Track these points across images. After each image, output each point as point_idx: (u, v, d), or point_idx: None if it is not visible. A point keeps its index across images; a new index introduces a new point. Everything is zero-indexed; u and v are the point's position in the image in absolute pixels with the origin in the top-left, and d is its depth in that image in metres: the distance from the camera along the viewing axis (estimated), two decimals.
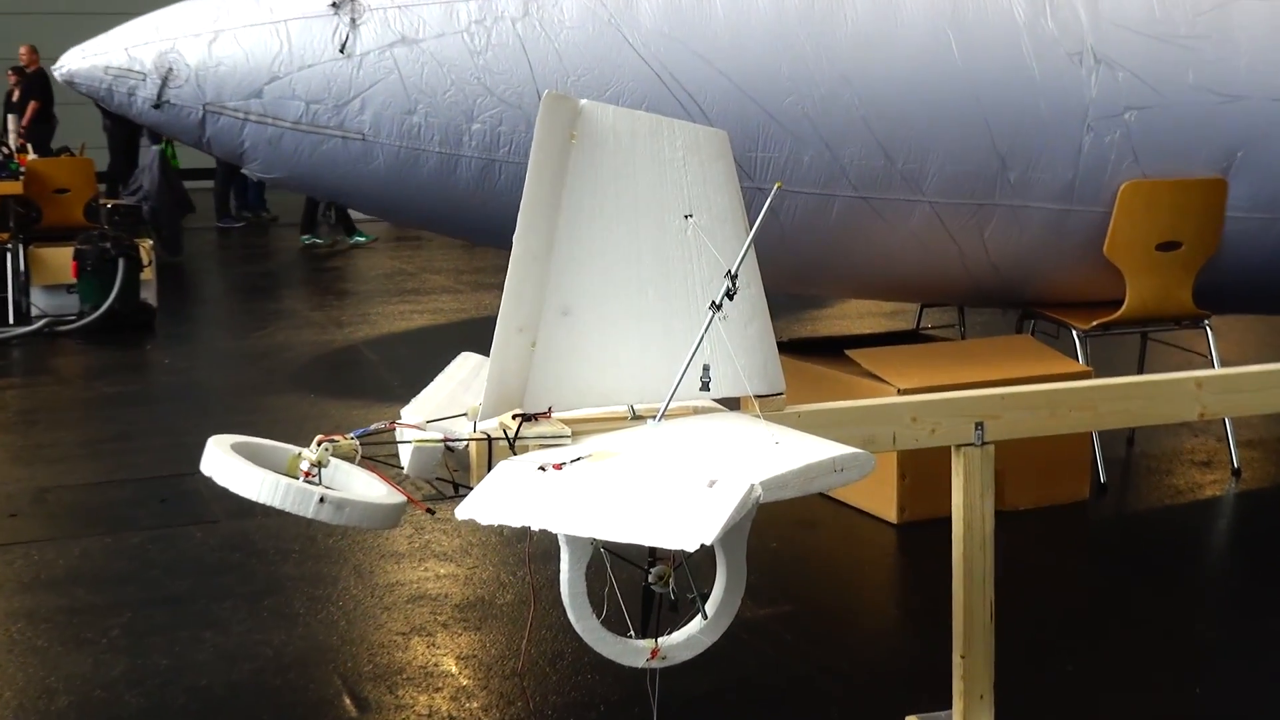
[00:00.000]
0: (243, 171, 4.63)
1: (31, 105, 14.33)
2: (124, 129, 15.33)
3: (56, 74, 4.45)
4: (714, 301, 2.54)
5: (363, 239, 13.55)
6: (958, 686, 2.99)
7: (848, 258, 4.83)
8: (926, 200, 4.76)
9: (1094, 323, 5.12)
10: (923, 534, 4.52)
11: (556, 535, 2.71)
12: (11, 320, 8.97)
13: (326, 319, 9.29)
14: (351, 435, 2.59)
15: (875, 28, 4.70)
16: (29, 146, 11.11)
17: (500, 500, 2.40)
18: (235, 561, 4.44)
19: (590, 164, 2.62)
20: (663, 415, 2.63)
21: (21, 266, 9.27)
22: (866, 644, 3.80)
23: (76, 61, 4.43)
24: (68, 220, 9.84)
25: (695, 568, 2.71)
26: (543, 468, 2.43)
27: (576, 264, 2.64)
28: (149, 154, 12.38)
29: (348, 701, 3.41)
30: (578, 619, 2.67)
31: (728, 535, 2.70)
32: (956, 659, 2.98)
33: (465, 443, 2.67)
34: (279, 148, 4.46)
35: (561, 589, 2.67)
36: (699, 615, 2.66)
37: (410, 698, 3.42)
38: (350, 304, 9.98)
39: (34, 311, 9.10)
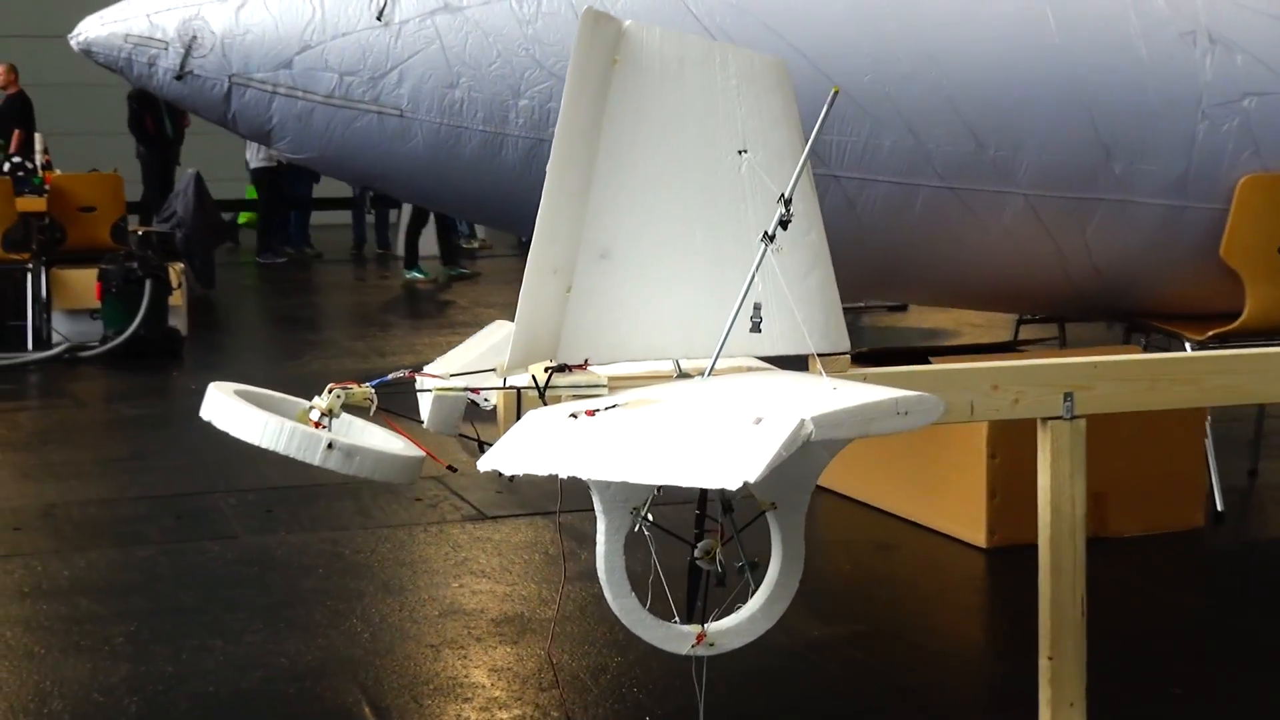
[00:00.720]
0: (271, 151, 4.67)
1: (15, 134, 12.95)
2: (158, 155, 15.59)
3: (73, 43, 4.51)
4: (766, 232, 2.52)
5: (462, 272, 13.84)
6: (1044, 693, 2.92)
7: (933, 256, 4.78)
8: (1021, 192, 4.71)
9: (1209, 334, 5.03)
10: (1016, 559, 4.44)
11: (594, 509, 2.69)
12: (30, 346, 9.08)
13: (368, 349, 9.35)
14: (368, 385, 2.59)
15: None
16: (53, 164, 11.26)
17: (526, 449, 2.38)
18: (253, 575, 4.44)
19: (633, 91, 2.61)
20: (712, 369, 2.60)
21: (43, 290, 9.40)
22: (946, 668, 3.73)
23: (95, 29, 4.49)
24: (93, 241, 9.97)
25: (748, 545, 2.67)
26: (574, 415, 2.41)
27: (616, 202, 2.63)
28: (184, 178, 12.56)
29: (367, 710, 3.38)
30: (615, 597, 2.64)
31: (784, 506, 2.67)
32: (1044, 661, 2.91)
33: (491, 397, 2.65)
34: (309, 124, 4.49)
35: (598, 563, 2.64)
36: (748, 590, 2.61)
37: (437, 708, 3.39)
38: (395, 335, 10.04)
39: (55, 338, 9.21)
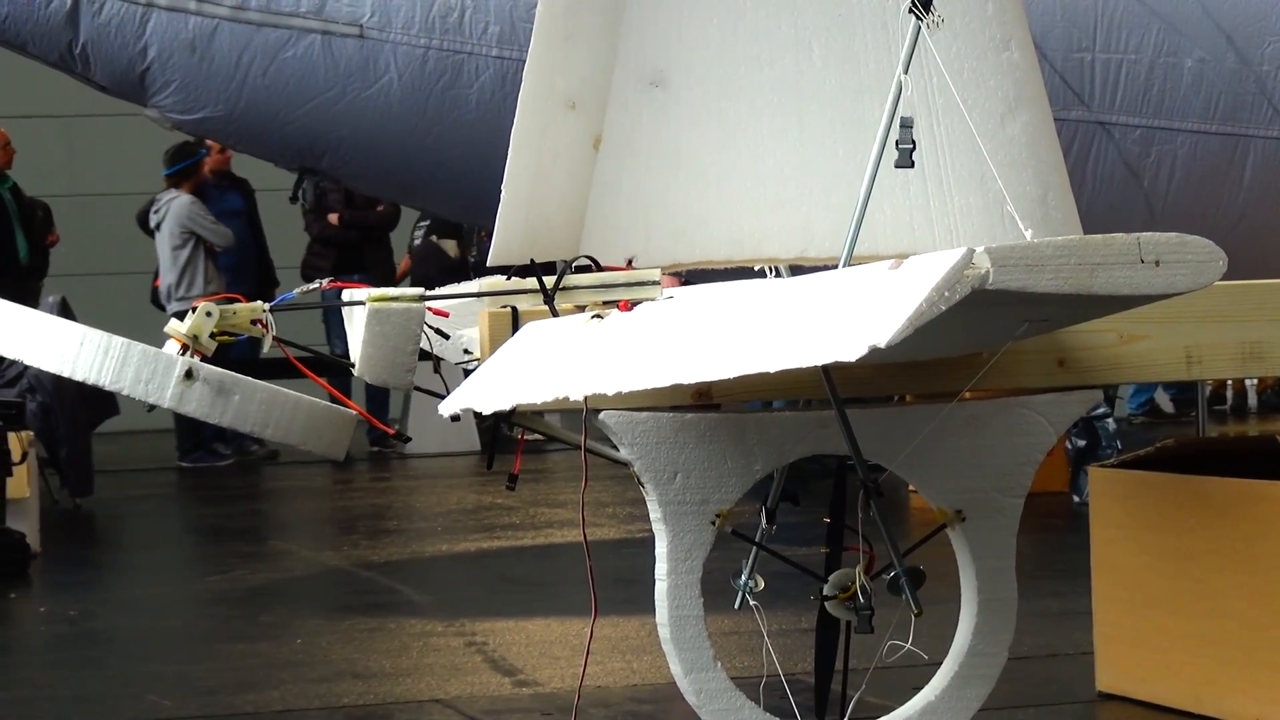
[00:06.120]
0: (147, 115, 4.82)
1: None
2: (4, 289, 16.02)
3: None
4: None
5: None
6: None
7: (1275, 247, 4.81)
8: None
9: None
10: None
11: (651, 520, 2.74)
12: None
13: (342, 558, 9.54)
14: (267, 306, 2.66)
15: None
16: None
17: (517, 374, 2.43)
18: None
19: None
20: (849, 257, 2.65)
21: None
22: None
23: None
24: None
25: (913, 582, 2.69)
26: (598, 316, 2.46)
27: None
28: (43, 307, 12.88)
29: None
30: (688, 671, 2.66)
31: (976, 516, 2.70)
32: None
33: (472, 346, 2.72)
34: (210, 57, 4.63)
35: (658, 610, 2.67)
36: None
37: None
38: (388, 544, 10.23)
39: None
